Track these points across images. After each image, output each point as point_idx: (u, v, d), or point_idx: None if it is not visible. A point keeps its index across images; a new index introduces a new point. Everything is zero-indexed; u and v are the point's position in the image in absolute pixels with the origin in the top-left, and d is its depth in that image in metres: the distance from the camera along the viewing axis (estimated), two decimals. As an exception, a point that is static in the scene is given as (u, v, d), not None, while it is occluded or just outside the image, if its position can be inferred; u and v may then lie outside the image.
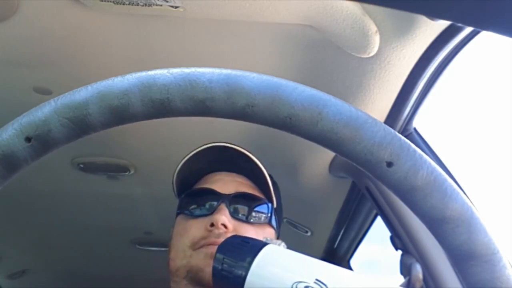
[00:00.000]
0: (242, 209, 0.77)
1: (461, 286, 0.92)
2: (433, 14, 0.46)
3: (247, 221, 0.76)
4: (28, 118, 0.34)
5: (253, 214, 0.77)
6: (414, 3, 0.35)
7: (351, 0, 0.74)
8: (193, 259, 0.73)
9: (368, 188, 1.13)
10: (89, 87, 0.34)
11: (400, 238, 1.06)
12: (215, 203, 0.76)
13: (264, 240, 0.53)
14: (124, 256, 2.34)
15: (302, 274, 0.45)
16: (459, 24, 0.67)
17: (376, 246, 1.66)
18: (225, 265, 0.49)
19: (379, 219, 1.27)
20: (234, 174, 0.81)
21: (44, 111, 0.34)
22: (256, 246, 0.50)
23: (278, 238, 0.83)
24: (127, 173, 1.55)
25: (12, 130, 0.34)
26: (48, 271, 2.45)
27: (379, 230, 1.38)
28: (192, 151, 0.81)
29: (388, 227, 1.12)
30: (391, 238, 1.10)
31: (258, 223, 0.77)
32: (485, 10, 0.32)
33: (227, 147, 0.79)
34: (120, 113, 0.34)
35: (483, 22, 0.34)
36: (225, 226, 0.72)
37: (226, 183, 0.79)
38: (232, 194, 0.77)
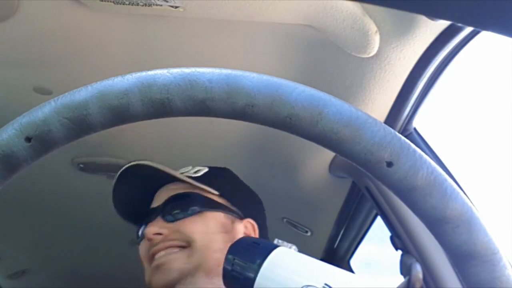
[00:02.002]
0: (174, 210, 0.82)
1: (461, 286, 0.92)
2: (433, 14, 0.46)
3: (184, 217, 0.80)
4: (28, 118, 0.34)
5: (184, 209, 0.82)
6: (414, 3, 0.35)
7: (351, 0, 0.74)
8: (146, 274, 0.84)
9: (368, 188, 1.13)
10: (89, 87, 0.34)
11: (400, 238, 1.06)
12: (152, 217, 0.82)
13: (275, 242, 0.53)
14: (124, 256, 2.33)
15: (311, 278, 0.45)
16: (459, 24, 0.67)
17: (376, 246, 1.66)
18: (235, 266, 0.49)
19: (379, 219, 1.27)
20: (168, 185, 0.86)
21: (44, 111, 0.34)
22: (266, 248, 0.50)
23: (232, 207, 0.86)
24: (127, 173, 1.54)
25: (12, 130, 0.34)
26: (48, 271, 2.44)
27: (379, 230, 1.38)
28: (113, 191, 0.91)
29: (388, 227, 1.12)
30: (391, 238, 1.10)
31: (196, 213, 0.81)
32: (485, 10, 0.32)
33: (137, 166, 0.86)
34: (120, 113, 0.34)
35: (483, 22, 0.34)
36: (159, 234, 0.78)
37: (160, 197, 0.85)
38: (162, 203, 0.83)
